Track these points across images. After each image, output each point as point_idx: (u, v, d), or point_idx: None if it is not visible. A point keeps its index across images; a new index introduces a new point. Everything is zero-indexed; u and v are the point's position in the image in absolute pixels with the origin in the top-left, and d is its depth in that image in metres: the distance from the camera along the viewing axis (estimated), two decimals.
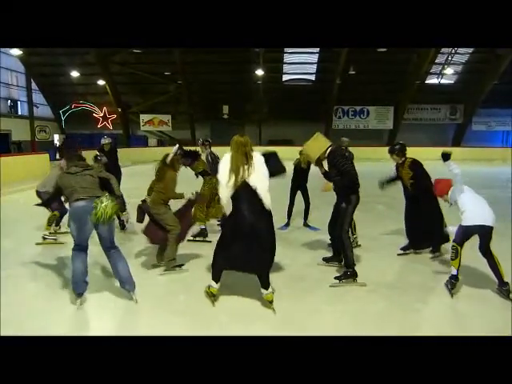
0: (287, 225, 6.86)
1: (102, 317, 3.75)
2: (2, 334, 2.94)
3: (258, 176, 3.53)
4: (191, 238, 5.89)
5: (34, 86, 26.94)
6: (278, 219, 6.74)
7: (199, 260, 5.11)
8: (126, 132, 28.75)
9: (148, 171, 5.76)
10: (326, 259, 4.93)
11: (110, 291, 4.14)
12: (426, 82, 26.48)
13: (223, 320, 3.55)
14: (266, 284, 3.69)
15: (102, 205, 3.68)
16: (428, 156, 25.53)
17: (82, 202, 3.75)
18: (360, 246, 5.74)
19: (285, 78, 27.26)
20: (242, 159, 3.54)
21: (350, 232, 4.63)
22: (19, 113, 26.27)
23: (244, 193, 3.52)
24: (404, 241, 5.48)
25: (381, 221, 7.59)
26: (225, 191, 3.57)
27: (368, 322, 3.51)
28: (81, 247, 3.84)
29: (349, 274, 4.30)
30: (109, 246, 3.90)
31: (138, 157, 22.24)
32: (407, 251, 5.35)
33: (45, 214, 6.01)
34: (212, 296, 3.81)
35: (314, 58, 25.78)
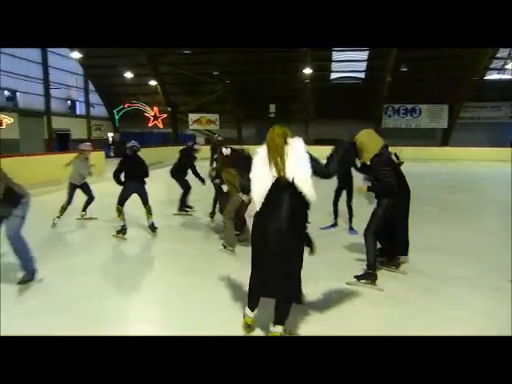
0: (334, 225, 6.72)
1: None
2: (2, 334, 3.01)
3: (298, 169, 2.90)
4: None
5: (91, 87, 28.40)
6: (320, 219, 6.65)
7: None
8: (175, 131, 29.55)
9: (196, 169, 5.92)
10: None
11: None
12: (486, 78, 25.11)
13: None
14: (282, 318, 3.03)
15: None
16: (487, 157, 24.41)
17: None
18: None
19: (333, 76, 26.88)
20: (279, 151, 2.95)
21: None
22: (77, 112, 27.71)
23: (279, 191, 2.91)
24: (451, 245, 5.22)
25: (430, 223, 7.27)
26: (257, 188, 2.99)
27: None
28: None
29: (368, 276, 4.23)
30: None
31: None
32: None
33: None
34: (247, 327, 3.19)
35: (364, 56, 25.22)
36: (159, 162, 17.60)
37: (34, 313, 3.56)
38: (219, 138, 9.77)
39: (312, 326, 3.37)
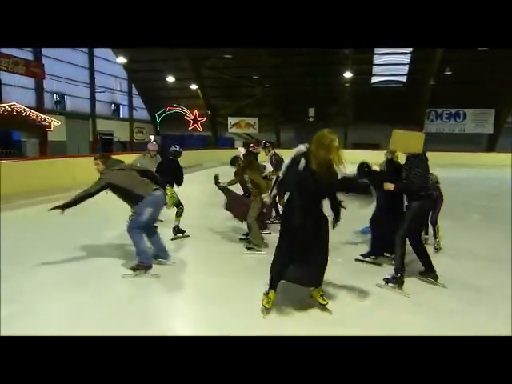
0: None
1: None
2: (3, 334, 3.06)
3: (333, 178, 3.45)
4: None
5: (134, 90, 29.35)
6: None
7: None
8: (215, 134, 29.98)
9: (233, 171, 5.98)
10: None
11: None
12: None
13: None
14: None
15: (170, 193, 5.21)
16: None
17: (160, 192, 4.63)
18: (441, 248, 5.55)
19: (374, 79, 26.45)
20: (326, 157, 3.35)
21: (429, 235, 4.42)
22: (121, 115, 28.69)
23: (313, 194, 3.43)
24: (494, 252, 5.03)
25: (474, 230, 7.04)
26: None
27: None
28: (143, 229, 4.63)
29: (395, 280, 4.23)
30: (153, 228, 4.84)
31: (225, 158, 22.92)
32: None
33: None
34: (268, 302, 3.57)
35: (406, 59, 24.67)
36: (199, 164, 17.94)
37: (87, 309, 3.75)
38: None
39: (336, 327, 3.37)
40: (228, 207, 5.93)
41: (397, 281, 4.24)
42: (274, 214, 6.99)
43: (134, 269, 4.51)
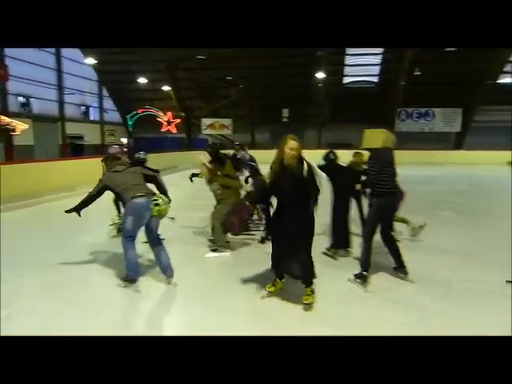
0: None
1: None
2: (3, 334, 3.05)
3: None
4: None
5: (104, 92, 28.81)
6: None
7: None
8: (189, 136, 29.75)
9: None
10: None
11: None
12: (500, 81, 24.79)
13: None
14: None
15: (162, 201, 4.22)
16: (500, 161, 24.20)
17: (142, 199, 4.14)
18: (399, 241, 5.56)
19: (346, 80, 26.82)
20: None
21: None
22: (91, 118, 28.10)
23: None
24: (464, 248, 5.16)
25: (446, 226, 7.20)
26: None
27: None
28: (133, 238, 4.22)
29: (360, 275, 4.36)
30: (155, 237, 4.34)
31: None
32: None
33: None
34: (270, 287, 4.00)
35: (377, 60, 25.13)
36: (174, 166, 17.74)
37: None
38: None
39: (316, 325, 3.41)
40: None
41: (362, 276, 4.36)
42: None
43: (122, 280, 4.34)
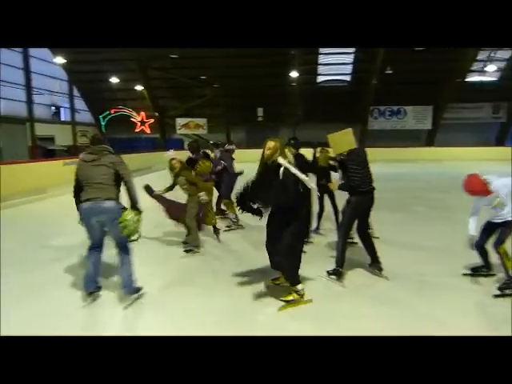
0: (317, 229, 6.58)
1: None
2: (2, 334, 3.02)
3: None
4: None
5: (75, 92, 28.14)
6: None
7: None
8: (163, 136, 29.41)
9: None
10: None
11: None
12: (467, 79, 25.55)
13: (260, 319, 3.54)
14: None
15: (131, 221, 3.70)
16: (469, 157, 24.98)
17: (88, 204, 3.68)
18: (378, 238, 5.70)
19: (320, 79, 27.06)
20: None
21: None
22: (62, 119, 27.39)
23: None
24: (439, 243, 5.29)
25: (420, 222, 7.36)
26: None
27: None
28: (93, 247, 3.89)
29: (336, 272, 4.42)
30: (120, 249, 3.89)
31: None
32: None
33: None
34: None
35: (350, 59, 25.46)
36: (148, 167, 17.50)
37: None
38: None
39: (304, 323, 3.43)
40: (170, 215, 5.88)
41: (337, 273, 4.41)
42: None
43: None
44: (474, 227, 4.23)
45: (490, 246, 4.26)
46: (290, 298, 3.80)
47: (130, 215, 3.71)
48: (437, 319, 3.51)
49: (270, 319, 3.59)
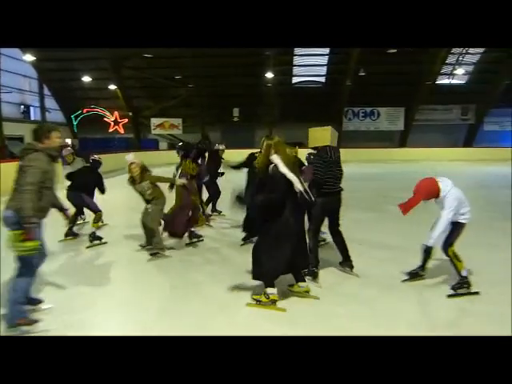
0: None
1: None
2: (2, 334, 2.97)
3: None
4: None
5: (46, 91, 27.40)
6: None
7: None
8: (137, 136, 29.00)
9: (159, 174, 5.81)
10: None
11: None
12: (437, 82, 26.25)
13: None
14: (303, 277, 4.02)
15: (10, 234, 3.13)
16: (440, 157, 25.59)
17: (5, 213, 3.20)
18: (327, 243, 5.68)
19: (295, 80, 27.25)
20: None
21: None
22: (32, 118, 26.64)
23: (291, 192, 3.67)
24: (408, 243, 5.41)
25: (392, 222, 7.53)
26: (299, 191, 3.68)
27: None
28: (26, 269, 3.29)
29: (312, 273, 4.42)
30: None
31: (149, 160, 22.31)
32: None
33: None
34: (274, 303, 3.77)
35: (324, 60, 25.74)
36: (122, 168, 17.21)
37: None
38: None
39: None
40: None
41: (313, 273, 4.41)
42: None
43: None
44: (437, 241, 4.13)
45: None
46: (258, 298, 3.79)
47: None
48: (407, 319, 3.61)
49: (245, 320, 3.59)
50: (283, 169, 3.58)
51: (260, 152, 3.98)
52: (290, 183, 3.62)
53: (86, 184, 6.20)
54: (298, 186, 3.63)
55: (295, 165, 3.97)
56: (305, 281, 4.00)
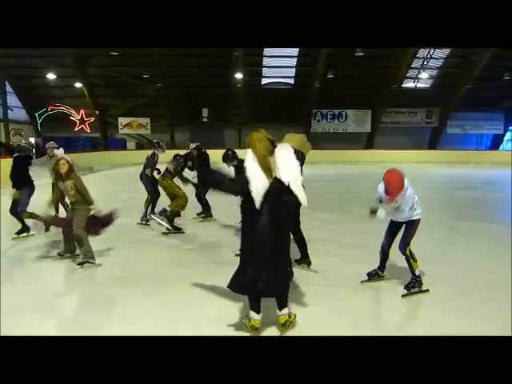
0: None
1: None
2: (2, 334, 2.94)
3: (288, 171, 3.17)
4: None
5: (8, 88, 26.39)
6: None
7: None
8: (104, 135, 28.37)
9: (126, 174, 5.74)
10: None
11: None
12: (403, 86, 26.97)
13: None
14: (283, 303, 3.38)
15: None
16: (405, 159, 26.36)
17: None
18: None
19: (264, 81, 27.36)
20: (269, 154, 3.18)
21: None
22: None
23: (271, 194, 3.15)
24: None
25: (360, 222, 7.68)
26: (256, 193, 3.11)
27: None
28: None
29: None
30: None
31: (117, 160, 21.95)
32: None
33: None
34: (254, 330, 3.30)
35: (293, 62, 25.97)
36: (89, 167, 16.81)
37: None
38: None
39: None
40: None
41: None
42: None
43: None
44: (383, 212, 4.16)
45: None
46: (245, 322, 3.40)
47: None
48: (378, 318, 3.70)
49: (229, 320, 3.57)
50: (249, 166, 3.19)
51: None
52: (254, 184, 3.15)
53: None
54: (254, 188, 3.12)
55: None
56: (283, 308, 3.38)
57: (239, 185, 3.22)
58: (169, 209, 6.81)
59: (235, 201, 3.68)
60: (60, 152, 5.31)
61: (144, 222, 7.39)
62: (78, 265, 4.96)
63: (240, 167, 3.42)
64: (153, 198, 7.49)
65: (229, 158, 5.75)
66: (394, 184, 4.00)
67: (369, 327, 3.49)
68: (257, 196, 3.10)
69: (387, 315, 3.85)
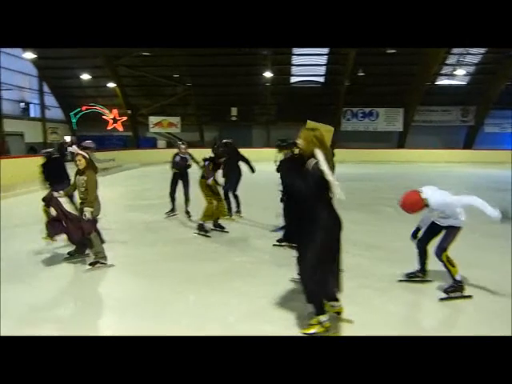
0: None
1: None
2: (2, 334, 2.98)
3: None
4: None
5: (45, 88, 27.37)
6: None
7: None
8: (135, 134, 29.00)
9: (157, 172, 5.83)
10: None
11: None
12: (437, 83, 26.24)
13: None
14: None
15: None
16: (438, 159, 25.55)
17: None
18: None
19: (293, 79, 27.23)
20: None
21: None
22: (31, 115, 26.60)
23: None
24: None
25: (390, 223, 7.53)
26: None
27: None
28: None
29: None
30: None
31: (147, 158, 22.39)
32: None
33: None
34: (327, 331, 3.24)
35: (323, 60, 25.73)
36: (118, 165, 17.24)
37: None
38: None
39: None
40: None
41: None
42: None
43: None
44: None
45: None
46: (312, 330, 3.24)
47: None
48: (407, 318, 3.61)
49: (240, 320, 3.58)
50: (324, 167, 3.06)
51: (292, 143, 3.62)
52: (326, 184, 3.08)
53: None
54: (336, 189, 3.09)
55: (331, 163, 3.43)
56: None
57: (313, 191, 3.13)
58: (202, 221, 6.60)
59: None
60: (74, 148, 5.29)
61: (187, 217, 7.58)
62: (89, 265, 4.88)
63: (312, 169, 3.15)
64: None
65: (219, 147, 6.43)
66: (406, 207, 4.03)
67: (401, 328, 3.40)
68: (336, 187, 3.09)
69: (421, 317, 3.75)
